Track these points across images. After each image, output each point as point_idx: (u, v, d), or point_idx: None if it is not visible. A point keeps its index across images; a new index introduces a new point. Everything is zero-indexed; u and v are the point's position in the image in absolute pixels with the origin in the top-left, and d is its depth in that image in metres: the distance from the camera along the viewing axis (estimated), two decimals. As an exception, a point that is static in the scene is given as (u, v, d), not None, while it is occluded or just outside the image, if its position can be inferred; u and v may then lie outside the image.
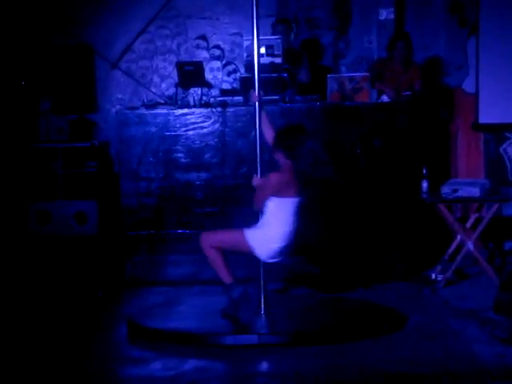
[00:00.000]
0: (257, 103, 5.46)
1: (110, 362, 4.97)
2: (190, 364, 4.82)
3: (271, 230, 5.25)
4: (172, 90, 7.62)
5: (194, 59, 7.71)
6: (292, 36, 7.60)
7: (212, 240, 5.38)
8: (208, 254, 5.38)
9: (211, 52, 7.97)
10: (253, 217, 5.39)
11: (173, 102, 7.29)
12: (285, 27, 7.51)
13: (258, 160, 5.53)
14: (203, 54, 7.94)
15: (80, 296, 6.56)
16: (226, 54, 7.96)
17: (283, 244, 5.28)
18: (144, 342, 5.31)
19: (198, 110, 6.94)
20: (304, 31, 7.95)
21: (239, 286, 5.36)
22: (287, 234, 5.27)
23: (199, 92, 7.28)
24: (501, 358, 4.75)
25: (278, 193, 5.21)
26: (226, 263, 5.37)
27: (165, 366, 4.79)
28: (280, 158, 5.24)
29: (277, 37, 7.25)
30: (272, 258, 5.35)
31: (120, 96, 7.95)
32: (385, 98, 7.20)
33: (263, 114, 5.48)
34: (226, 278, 5.35)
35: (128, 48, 7.91)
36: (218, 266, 5.37)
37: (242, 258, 5.53)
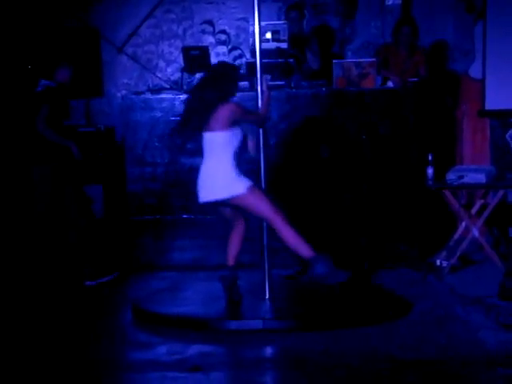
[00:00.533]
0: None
1: (114, 346, 5.00)
2: (195, 349, 4.84)
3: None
4: (177, 75, 7.61)
5: (200, 44, 7.68)
6: (304, 22, 7.57)
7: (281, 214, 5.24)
8: (286, 233, 5.23)
9: (217, 37, 7.95)
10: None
11: (178, 86, 7.28)
12: (297, 13, 7.48)
13: (262, 145, 5.51)
14: (209, 39, 7.92)
15: (85, 280, 6.58)
16: (232, 39, 7.94)
17: None
18: (149, 326, 5.34)
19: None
20: (311, 17, 7.91)
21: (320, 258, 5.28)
22: None
23: (205, 77, 7.25)
24: (505, 345, 4.75)
25: None
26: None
27: (169, 351, 4.81)
28: None
29: (283, 22, 7.23)
30: None
31: (126, 81, 7.94)
32: (390, 84, 7.18)
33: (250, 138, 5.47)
34: (309, 252, 5.23)
35: (134, 32, 7.88)
36: (300, 242, 5.24)
37: (245, 244, 5.55)
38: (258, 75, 5.51)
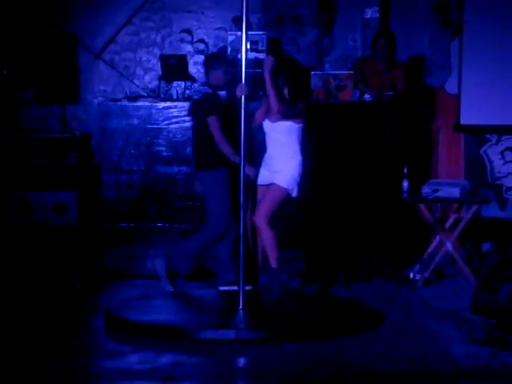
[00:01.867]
0: (243, 96, 5.45)
1: (86, 354, 4.96)
2: (167, 358, 4.81)
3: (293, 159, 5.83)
4: (155, 83, 7.59)
5: (178, 53, 7.68)
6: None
7: (264, 214, 5.73)
8: (265, 234, 5.75)
9: (195, 46, 7.94)
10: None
11: (156, 94, 7.27)
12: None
13: (242, 154, 5.51)
14: (187, 48, 7.91)
15: (58, 287, 6.54)
16: (210, 48, 7.93)
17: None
18: (121, 334, 5.30)
19: (180, 104, 6.93)
20: (289, 28, 7.94)
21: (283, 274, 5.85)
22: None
23: (182, 85, 7.27)
24: (476, 358, 4.78)
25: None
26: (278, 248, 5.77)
27: (141, 359, 4.78)
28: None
29: (262, 32, 7.24)
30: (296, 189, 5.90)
31: (103, 87, 7.90)
32: (368, 97, 7.22)
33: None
34: (275, 263, 5.78)
35: (112, 39, 7.86)
36: (273, 247, 5.78)
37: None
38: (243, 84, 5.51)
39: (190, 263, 6.30)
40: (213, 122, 5.98)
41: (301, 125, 5.87)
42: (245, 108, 5.45)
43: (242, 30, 7.10)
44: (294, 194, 5.89)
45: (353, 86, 6.97)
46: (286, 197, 5.87)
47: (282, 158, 5.86)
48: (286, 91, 5.85)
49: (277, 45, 7.63)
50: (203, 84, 6.85)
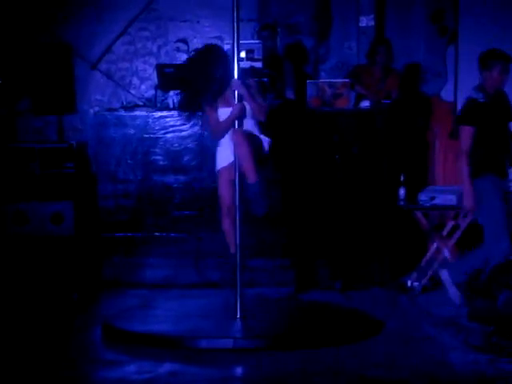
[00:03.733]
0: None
1: (84, 364, 4.95)
2: (165, 367, 4.80)
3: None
4: (151, 93, 7.60)
5: (174, 62, 7.69)
6: (278, 40, 7.61)
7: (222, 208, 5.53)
8: (224, 227, 5.61)
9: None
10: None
11: (152, 104, 7.28)
12: (269, 32, 7.52)
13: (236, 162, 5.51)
14: (183, 57, 7.90)
15: (55, 297, 6.52)
16: (206, 57, 7.93)
17: None
18: (119, 344, 5.29)
19: (177, 113, 6.93)
20: (284, 36, 7.95)
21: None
22: None
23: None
24: (473, 365, 4.77)
25: None
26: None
27: (139, 369, 4.77)
28: None
29: (257, 41, 7.26)
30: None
31: (99, 97, 7.91)
32: (364, 105, 7.23)
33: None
34: (233, 248, 5.59)
35: (108, 49, 7.87)
36: (230, 237, 5.60)
37: (215, 261, 5.54)
38: (236, 93, 5.51)
39: (464, 277, 5.96)
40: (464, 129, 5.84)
41: None
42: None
43: (263, 40, 7.22)
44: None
45: (349, 93, 6.98)
46: None
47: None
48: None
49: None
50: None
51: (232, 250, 5.62)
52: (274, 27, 7.62)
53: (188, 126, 6.88)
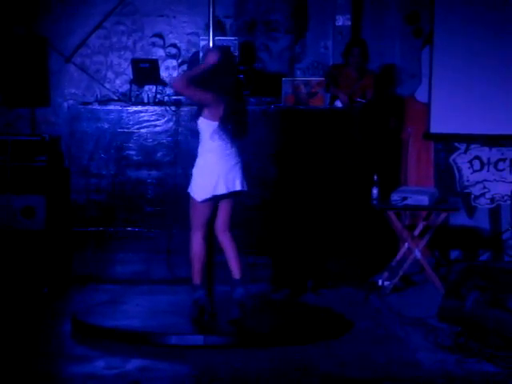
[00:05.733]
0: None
1: (52, 359, 4.92)
2: (134, 363, 4.79)
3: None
4: (126, 87, 7.57)
5: (150, 57, 7.66)
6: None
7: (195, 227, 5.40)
8: (195, 248, 5.42)
9: (167, 50, 7.92)
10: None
11: (126, 98, 7.24)
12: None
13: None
14: (159, 53, 7.89)
15: (25, 291, 6.48)
16: (182, 53, 7.92)
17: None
18: (88, 339, 5.26)
19: (151, 108, 6.90)
20: (261, 33, 7.96)
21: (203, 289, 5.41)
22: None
23: (154, 90, 7.24)
24: (442, 365, 4.81)
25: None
26: (204, 267, 5.43)
27: (108, 365, 4.75)
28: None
29: (233, 38, 7.25)
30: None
31: (73, 91, 7.86)
32: (338, 104, 7.25)
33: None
34: (197, 279, 5.40)
35: (83, 42, 7.82)
36: (197, 265, 5.40)
37: (189, 258, 5.51)
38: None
39: None
40: None
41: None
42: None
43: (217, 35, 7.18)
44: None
45: (324, 92, 6.99)
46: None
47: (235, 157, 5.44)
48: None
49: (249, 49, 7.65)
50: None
51: (195, 281, 5.42)
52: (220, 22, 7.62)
53: (162, 121, 6.86)
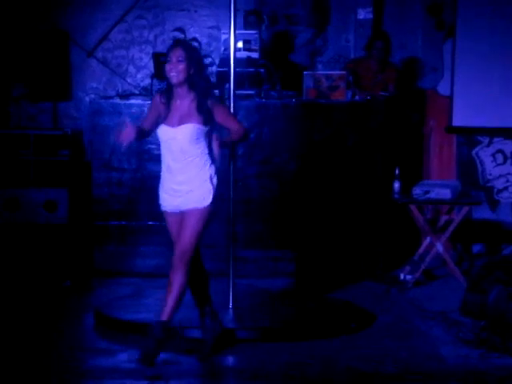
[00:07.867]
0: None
1: (75, 352, 4.94)
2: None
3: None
4: (147, 81, 7.57)
5: (171, 51, 7.65)
6: (263, 28, 7.60)
7: (190, 254, 4.70)
8: (180, 278, 4.70)
9: (188, 44, 7.92)
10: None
11: (148, 93, 7.24)
12: (255, 18, 7.50)
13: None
14: (180, 46, 7.89)
15: (48, 285, 6.51)
16: (203, 46, 7.90)
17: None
18: (111, 333, 5.28)
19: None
20: (282, 27, 7.94)
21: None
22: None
23: (175, 84, 7.23)
24: (465, 360, 4.78)
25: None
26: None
27: (131, 358, 4.76)
28: None
29: (254, 32, 7.24)
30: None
31: (94, 85, 7.89)
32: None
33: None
34: (166, 315, 4.65)
35: (104, 37, 7.84)
36: (178, 298, 4.67)
37: (208, 252, 5.51)
38: (232, 84, 5.50)
39: None
40: None
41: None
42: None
43: (249, 25, 7.18)
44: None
45: (345, 86, 6.96)
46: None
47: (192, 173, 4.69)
48: None
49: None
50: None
51: (163, 317, 4.63)
52: (259, 14, 7.60)
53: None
